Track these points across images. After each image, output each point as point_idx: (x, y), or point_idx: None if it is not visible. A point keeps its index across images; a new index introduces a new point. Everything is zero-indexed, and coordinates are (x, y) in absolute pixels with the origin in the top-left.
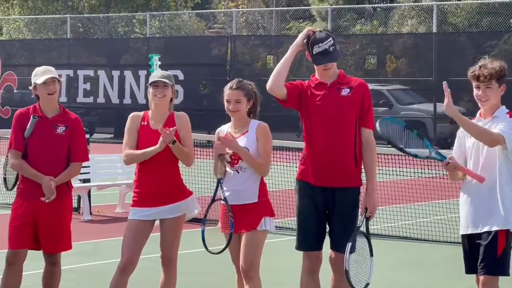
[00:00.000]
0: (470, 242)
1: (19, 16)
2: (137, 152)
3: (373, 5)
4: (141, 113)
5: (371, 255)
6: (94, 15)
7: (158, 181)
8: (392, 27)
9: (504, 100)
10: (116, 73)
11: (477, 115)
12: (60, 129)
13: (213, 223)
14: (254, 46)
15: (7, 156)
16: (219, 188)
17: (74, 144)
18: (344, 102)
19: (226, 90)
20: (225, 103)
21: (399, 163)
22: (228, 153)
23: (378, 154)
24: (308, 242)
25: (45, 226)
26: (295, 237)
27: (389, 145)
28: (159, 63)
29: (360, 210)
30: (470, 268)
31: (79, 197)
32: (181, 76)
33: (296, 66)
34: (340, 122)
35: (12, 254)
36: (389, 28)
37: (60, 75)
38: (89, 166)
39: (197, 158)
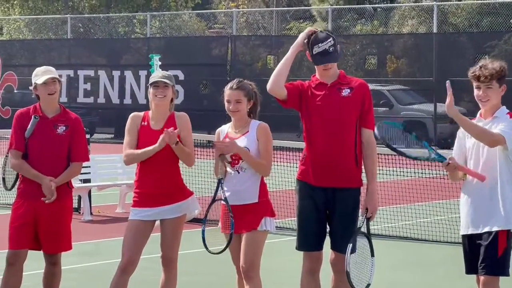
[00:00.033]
0: (470, 243)
1: (20, 16)
2: (137, 152)
3: (374, 5)
4: (142, 113)
5: (372, 255)
6: (94, 15)
7: (159, 181)
8: (393, 27)
9: (504, 101)
10: (116, 73)
11: (478, 115)
12: (61, 129)
13: (214, 223)
14: (255, 46)
15: (5, 157)
16: (220, 188)
17: (74, 144)
18: (345, 103)
19: (227, 90)
20: (226, 103)
21: (399, 163)
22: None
23: (378, 154)
24: (308, 242)
25: (46, 226)
26: (295, 237)
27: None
28: (160, 63)
29: (361, 210)
30: (471, 268)
31: (79, 197)
32: (181, 76)
33: (297, 66)
34: (340, 122)
35: (13, 254)
36: (390, 28)
37: (60, 75)
38: (89, 166)
39: (198, 158)
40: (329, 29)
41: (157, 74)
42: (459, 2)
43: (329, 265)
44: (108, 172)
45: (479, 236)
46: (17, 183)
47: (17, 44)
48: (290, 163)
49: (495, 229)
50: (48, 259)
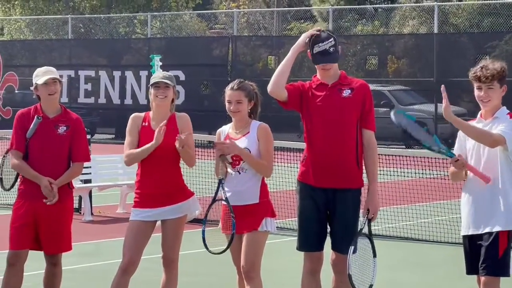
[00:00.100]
0: (471, 243)
1: (21, 17)
2: (136, 151)
3: (374, 6)
4: (142, 114)
5: (374, 256)
6: (95, 15)
7: (160, 182)
8: (393, 27)
9: (505, 101)
10: (117, 74)
11: (478, 116)
12: (61, 129)
13: (214, 224)
14: (255, 47)
15: (3, 157)
16: (220, 188)
17: (75, 144)
18: (345, 103)
19: (227, 91)
20: (226, 104)
21: (400, 163)
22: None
23: (379, 154)
24: (309, 242)
25: (46, 226)
26: (296, 238)
27: (392, 144)
28: (160, 63)
29: (362, 211)
30: (471, 269)
31: (80, 198)
32: (182, 77)
33: (298, 66)
34: (341, 123)
35: (13, 255)
36: (390, 28)
37: (61, 76)
38: (90, 167)
39: (198, 158)
40: (330, 29)
41: (158, 74)
42: (460, 3)
43: (330, 266)
44: (108, 172)
45: (480, 236)
46: (17, 183)
47: (18, 44)
48: (290, 163)
49: (495, 229)
50: (48, 260)
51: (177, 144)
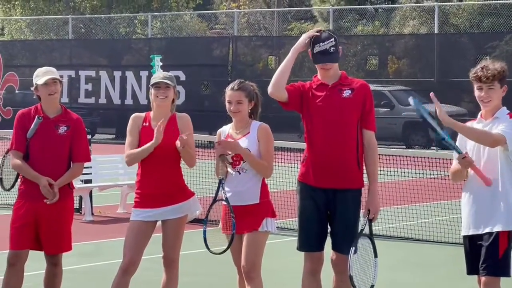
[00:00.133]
0: (471, 243)
1: (21, 17)
2: (136, 151)
3: (375, 6)
4: (143, 114)
5: (375, 256)
6: (95, 15)
7: (160, 182)
8: (394, 28)
9: (505, 101)
10: (117, 74)
11: (478, 116)
12: (62, 129)
13: (215, 224)
14: (256, 47)
15: (3, 157)
16: (221, 188)
17: (75, 144)
18: (346, 104)
19: (228, 91)
20: (227, 104)
21: (400, 163)
22: (229, 153)
23: (379, 155)
24: (309, 242)
25: (47, 226)
26: (296, 238)
27: (392, 144)
28: (161, 63)
29: (363, 212)
30: (472, 269)
31: (80, 198)
32: (182, 77)
33: (298, 67)
34: (341, 123)
35: (14, 255)
36: (391, 29)
37: (61, 76)
38: (90, 167)
39: (199, 158)
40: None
41: (159, 75)
42: (460, 3)
43: (330, 266)
44: (109, 172)
45: (480, 237)
46: (18, 183)
47: (18, 44)
48: (291, 163)
49: (496, 229)
50: (49, 260)
51: (178, 144)
